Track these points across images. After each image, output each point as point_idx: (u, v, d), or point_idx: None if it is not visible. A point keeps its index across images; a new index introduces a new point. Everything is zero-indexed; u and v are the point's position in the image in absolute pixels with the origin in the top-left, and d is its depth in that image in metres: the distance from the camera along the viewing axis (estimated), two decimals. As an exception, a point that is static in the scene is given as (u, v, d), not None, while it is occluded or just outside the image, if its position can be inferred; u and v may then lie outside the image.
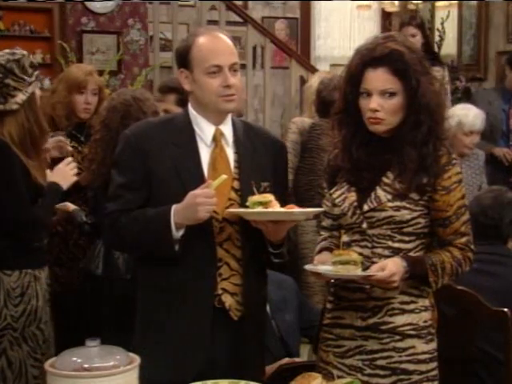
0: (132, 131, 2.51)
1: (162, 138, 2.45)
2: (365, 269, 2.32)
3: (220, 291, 2.44)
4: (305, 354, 3.88)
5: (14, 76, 3.02)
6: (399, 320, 2.38)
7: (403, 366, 2.38)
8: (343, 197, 2.43)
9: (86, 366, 1.80)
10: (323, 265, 2.38)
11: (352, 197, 2.41)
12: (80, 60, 6.12)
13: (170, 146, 2.44)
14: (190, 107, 2.52)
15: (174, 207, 2.34)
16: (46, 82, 6.48)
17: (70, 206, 3.53)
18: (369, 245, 2.39)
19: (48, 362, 1.87)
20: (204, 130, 2.48)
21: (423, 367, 2.40)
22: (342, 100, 2.44)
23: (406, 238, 2.38)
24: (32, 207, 3.03)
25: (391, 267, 2.27)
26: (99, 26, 6.47)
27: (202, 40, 2.44)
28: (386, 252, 2.37)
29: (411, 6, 8.28)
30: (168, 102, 3.82)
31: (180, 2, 7.09)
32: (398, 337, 2.38)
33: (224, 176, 2.34)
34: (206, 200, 2.30)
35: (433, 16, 8.37)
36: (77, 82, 3.95)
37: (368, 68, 2.35)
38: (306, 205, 2.71)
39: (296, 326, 3.53)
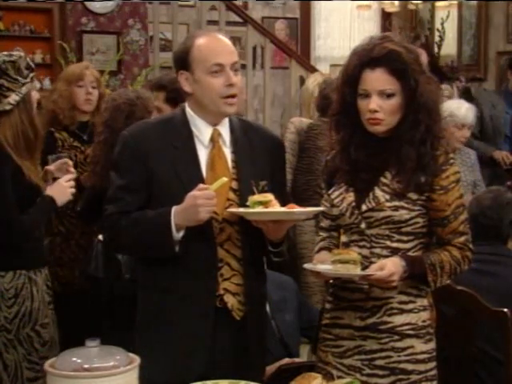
0: (130, 132, 2.51)
1: (161, 139, 2.45)
2: (364, 268, 2.32)
3: (222, 291, 2.44)
4: (305, 354, 3.89)
5: (7, 77, 3.02)
6: (398, 320, 2.38)
7: (402, 365, 2.38)
8: (341, 197, 2.44)
9: (85, 366, 1.80)
10: (322, 264, 2.38)
11: (350, 197, 2.42)
12: (80, 60, 6.11)
13: (168, 147, 2.44)
14: (187, 108, 2.51)
15: (174, 209, 2.35)
16: (46, 82, 6.48)
17: None
18: (367, 245, 2.39)
19: (48, 362, 1.87)
20: (201, 130, 2.48)
21: (422, 367, 2.40)
22: (339, 101, 2.44)
23: (405, 238, 2.38)
24: (17, 209, 2.97)
25: (390, 267, 2.27)
26: (99, 26, 6.47)
27: (201, 40, 2.44)
28: (385, 252, 2.37)
29: (411, 6, 8.29)
30: (159, 99, 3.82)
31: (180, 2, 7.09)
32: (396, 337, 2.38)
33: (224, 179, 2.34)
34: (206, 201, 2.31)
35: (433, 16, 8.39)
36: (75, 75, 4.05)
37: (366, 69, 2.35)
38: (304, 205, 2.70)
39: (296, 327, 3.53)
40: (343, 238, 2.46)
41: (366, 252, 2.38)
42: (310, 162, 4.75)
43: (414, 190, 2.35)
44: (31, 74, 3.09)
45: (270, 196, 2.37)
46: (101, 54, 6.45)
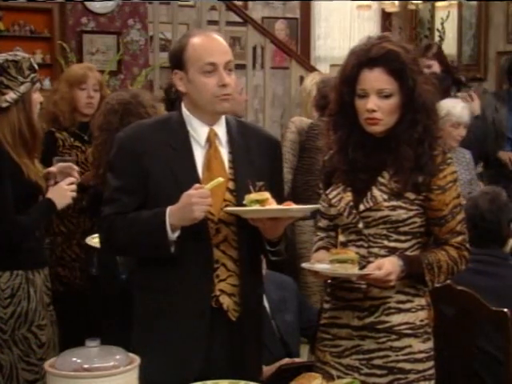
0: (126, 133, 2.51)
1: (156, 140, 2.44)
2: (361, 268, 2.33)
3: (218, 292, 2.43)
4: (305, 354, 3.89)
5: (7, 75, 3.03)
6: (396, 319, 2.39)
7: (400, 365, 2.38)
8: (339, 197, 2.44)
9: (85, 366, 1.81)
10: (320, 263, 2.38)
11: (348, 197, 2.42)
12: (80, 60, 6.12)
13: (164, 147, 2.43)
14: (183, 108, 2.51)
15: (168, 209, 2.34)
16: (46, 83, 6.48)
17: None
18: (365, 244, 2.40)
19: (48, 362, 1.87)
20: (198, 130, 2.47)
21: (420, 366, 2.40)
22: (337, 101, 2.44)
23: (402, 238, 2.39)
24: (12, 208, 2.96)
25: (388, 266, 2.28)
26: (99, 27, 6.47)
27: (195, 40, 2.43)
28: (382, 251, 2.38)
29: (411, 7, 8.30)
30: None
31: (180, 2, 7.09)
32: (394, 336, 2.38)
33: (220, 179, 2.33)
34: (201, 200, 2.30)
35: (433, 16, 8.39)
36: (77, 77, 4.00)
37: (364, 68, 2.35)
38: (304, 204, 2.70)
39: (296, 326, 3.54)
40: (341, 238, 2.47)
41: (363, 251, 2.39)
42: (311, 163, 4.74)
43: (412, 189, 2.36)
44: (33, 75, 3.09)
45: (266, 194, 2.36)
46: (101, 54, 6.45)
